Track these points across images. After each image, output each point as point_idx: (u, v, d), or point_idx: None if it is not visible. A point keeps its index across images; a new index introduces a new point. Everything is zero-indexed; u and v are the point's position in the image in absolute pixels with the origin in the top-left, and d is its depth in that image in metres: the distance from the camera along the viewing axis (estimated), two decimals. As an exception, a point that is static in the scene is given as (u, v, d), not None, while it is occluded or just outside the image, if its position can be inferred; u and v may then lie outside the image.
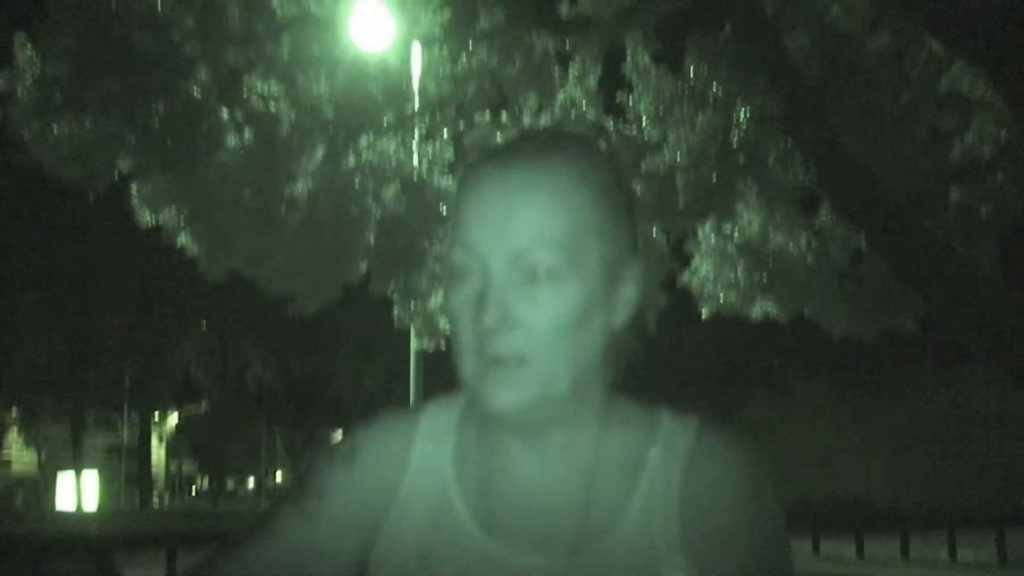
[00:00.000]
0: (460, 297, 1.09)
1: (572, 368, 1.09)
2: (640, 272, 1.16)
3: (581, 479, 1.14)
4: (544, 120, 10.63)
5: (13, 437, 48.93)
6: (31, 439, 46.19)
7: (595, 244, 1.10)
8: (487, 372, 1.08)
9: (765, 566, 1.10)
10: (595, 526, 1.12)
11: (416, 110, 10.55)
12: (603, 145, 1.17)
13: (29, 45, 9.71)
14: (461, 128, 10.67)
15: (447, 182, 10.54)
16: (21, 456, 51.07)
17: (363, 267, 11.42)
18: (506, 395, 1.07)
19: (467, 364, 1.09)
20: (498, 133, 10.16)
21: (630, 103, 11.44)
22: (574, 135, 1.17)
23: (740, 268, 11.71)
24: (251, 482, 68.56)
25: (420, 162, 10.69)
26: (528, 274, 1.07)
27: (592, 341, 1.11)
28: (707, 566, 1.10)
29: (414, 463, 1.21)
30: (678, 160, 10.94)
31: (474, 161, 1.15)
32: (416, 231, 10.71)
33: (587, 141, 1.16)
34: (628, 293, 1.15)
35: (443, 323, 10.41)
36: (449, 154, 10.77)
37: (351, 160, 10.64)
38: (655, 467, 1.14)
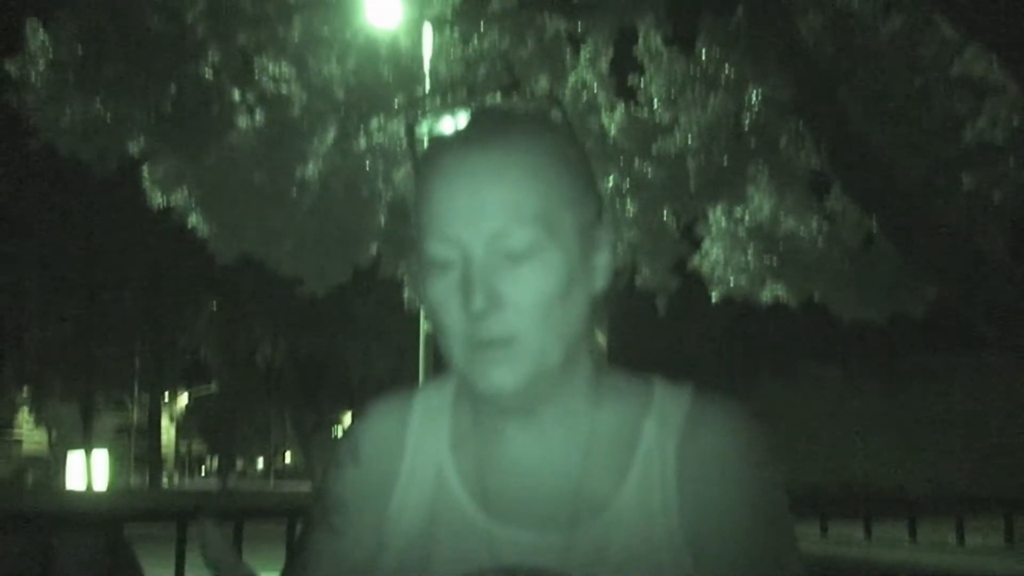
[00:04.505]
0: (442, 287, 1.08)
1: (562, 340, 1.09)
2: (611, 237, 1.16)
3: (577, 454, 1.14)
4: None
5: (24, 417, 49.19)
6: (42, 419, 46.47)
7: (568, 214, 1.09)
8: (478, 356, 1.07)
9: (766, 536, 1.10)
10: (592, 501, 1.12)
11: (427, 92, 10.54)
12: (556, 115, 1.15)
13: (41, 30, 9.72)
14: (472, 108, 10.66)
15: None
16: (32, 436, 51.33)
17: (373, 249, 11.44)
18: (500, 376, 1.07)
19: (456, 351, 1.09)
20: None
21: (641, 85, 11.40)
22: (528, 109, 1.15)
23: (750, 252, 11.69)
24: (260, 462, 68.82)
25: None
26: (509, 253, 1.06)
27: (577, 311, 1.10)
28: (707, 538, 1.09)
29: (410, 447, 1.21)
30: (689, 143, 10.92)
31: (429, 149, 1.13)
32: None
33: (541, 113, 1.15)
34: (603, 259, 1.14)
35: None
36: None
37: (362, 142, 10.64)
38: (650, 439, 1.14)
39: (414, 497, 1.18)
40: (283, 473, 64.26)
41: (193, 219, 10.69)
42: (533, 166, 1.08)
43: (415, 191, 1.13)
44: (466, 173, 1.07)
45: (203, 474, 67.13)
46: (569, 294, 1.09)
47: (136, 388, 45.93)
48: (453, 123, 1.13)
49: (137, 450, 48.41)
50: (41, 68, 9.67)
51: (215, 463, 63.96)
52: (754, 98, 10.69)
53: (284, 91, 10.31)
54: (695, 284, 12.61)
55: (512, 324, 1.07)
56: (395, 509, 1.18)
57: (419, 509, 1.17)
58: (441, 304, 1.09)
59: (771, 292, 11.93)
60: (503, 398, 1.09)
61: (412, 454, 1.20)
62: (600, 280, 1.14)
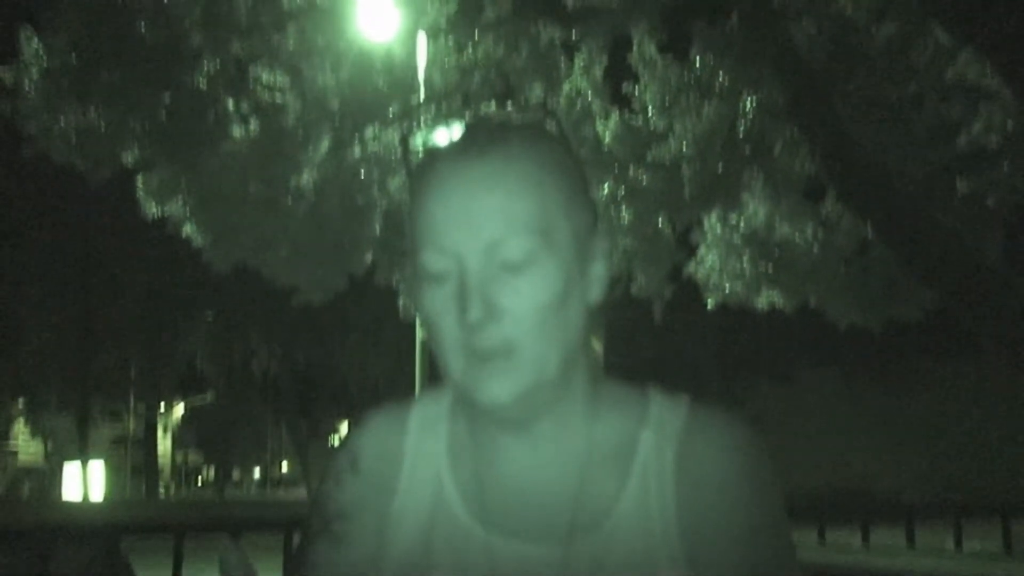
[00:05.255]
0: (438, 298, 1.08)
1: (559, 351, 1.08)
2: (607, 247, 1.15)
3: (574, 467, 1.13)
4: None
5: (20, 428, 49.09)
6: (37, 430, 46.35)
7: (564, 223, 1.09)
8: (477, 368, 1.06)
9: (765, 545, 1.09)
10: (590, 514, 1.11)
11: (422, 101, 10.54)
12: (551, 125, 1.15)
13: (35, 39, 9.71)
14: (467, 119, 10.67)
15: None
16: (28, 447, 51.26)
17: (369, 257, 11.44)
18: (498, 387, 1.06)
19: (453, 363, 1.08)
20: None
21: (636, 93, 11.41)
22: (522, 119, 1.15)
23: (746, 258, 11.70)
24: (257, 472, 68.72)
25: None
26: (505, 263, 1.06)
27: (574, 321, 1.10)
28: (705, 548, 1.09)
29: (408, 457, 1.20)
30: (684, 150, 10.92)
31: (424, 160, 1.13)
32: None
33: (536, 123, 1.15)
34: (598, 269, 1.13)
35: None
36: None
37: (357, 151, 10.64)
38: (648, 451, 1.13)
39: (412, 507, 1.18)
40: (280, 482, 64.16)
41: (188, 228, 10.67)
42: (528, 176, 1.08)
43: (410, 202, 1.12)
44: (461, 184, 1.07)
45: (200, 484, 66.98)
46: (566, 304, 1.08)
47: (132, 398, 45.84)
48: (448, 134, 1.13)
49: (133, 460, 48.32)
50: (35, 76, 9.66)
51: (212, 473, 63.84)
52: (748, 105, 10.70)
53: (279, 100, 10.31)
54: (691, 291, 12.61)
55: (509, 334, 1.06)
56: (394, 519, 1.18)
57: (417, 520, 1.17)
58: (437, 315, 1.08)
59: (767, 298, 11.94)
60: (501, 410, 1.08)
61: (410, 464, 1.20)
62: (596, 289, 1.13)
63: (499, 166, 1.07)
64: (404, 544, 1.16)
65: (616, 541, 1.10)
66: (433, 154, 1.12)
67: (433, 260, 1.07)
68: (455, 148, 1.10)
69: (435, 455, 1.20)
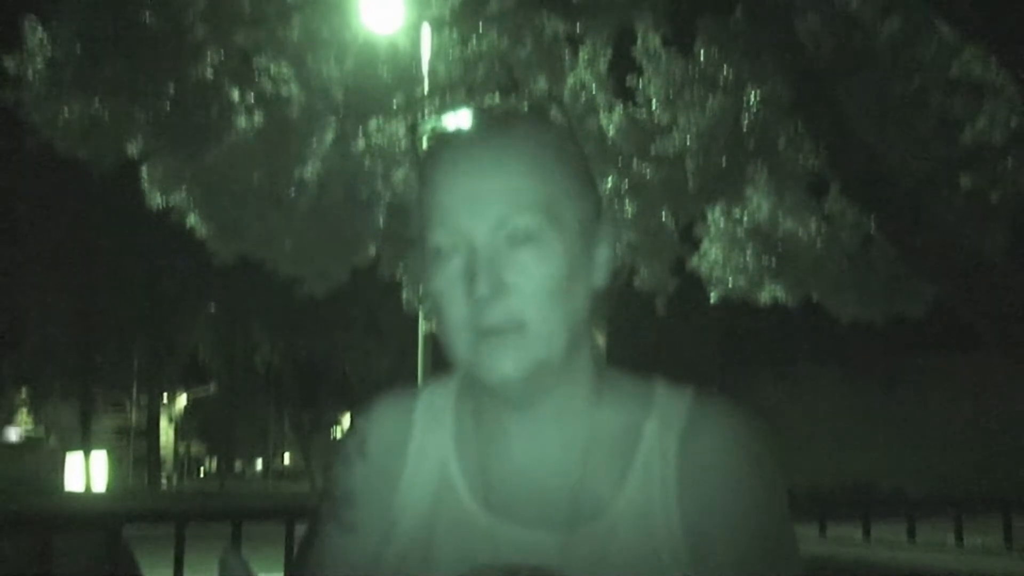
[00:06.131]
0: (446, 276, 1.10)
1: (565, 330, 1.10)
2: (611, 234, 1.17)
3: (577, 454, 1.15)
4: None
5: (23, 418, 49.14)
6: (40, 420, 46.41)
7: (568, 205, 1.12)
8: (484, 344, 1.09)
9: (767, 537, 1.10)
10: (593, 501, 1.13)
11: (426, 93, 10.54)
12: (557, 113, 1.18)
13: (39, 28, 9.70)
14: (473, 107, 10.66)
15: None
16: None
17: (372, 250, 11.44)
18: (507, 363, 1.08)
19: (460, 341, 1.10)
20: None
21: (640, 86, 11.39)
22: (529, 107, 1.19)
23: (749, 252, 11.68)
24: (259, 463, 68.79)
25: (429, 145, 10.70)
26: (513, 239, 1.09)
27: (579, 302, 1.12)
28: (707, 539, 1.10)
29: (414, 444, 1.22)
30: (688, 144, 10.91)
31: (433, 144, 1.16)
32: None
33: (542, 110, 1.19)
34: (603, 254, 1.16)
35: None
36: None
37: (361, 143, 10.64)
38: (651, 440, 1.14)
39: (417, 494, 1.19)
40: (282, 474, 64.23)
41: (192, 219, 10.68)
42: (534, 158, 1.11)
43: (418, 186, 1.16)
44: (469, 165, 1.10)
45: (202, 475, 67.04)
46: (571, 284, 1.11)
47: (135, 389, 45.93)
48: (455, 120, 1.16)
49: (136, 451, 48.40)
50: (39, 66, 9.66)
51: (214, 464, 63.92)
52: (753, 99, 10.67)
53: (283, 91, 10.30)
54: (694, 285, 12.61)
55: (516, 310, 1.08)
56: (399, 505, 1.19)
57: (422, 506, 1.18)
58: (445, 294, 1.11)
59: (770, 292, 11.92)
60: (507, 386, 1.10)
61: (416, 451, 1.22)
62: (600, 275, 1.16)
63: (505, 148, 1.11)
64: (408, 529, 1.18)
65: (618, 530, 1.11)
66: (442, 138, 1.15)
67: (442, 239, 1.10)
68: (463, 133, 1.14)
69: (441, 442, 1.21)
